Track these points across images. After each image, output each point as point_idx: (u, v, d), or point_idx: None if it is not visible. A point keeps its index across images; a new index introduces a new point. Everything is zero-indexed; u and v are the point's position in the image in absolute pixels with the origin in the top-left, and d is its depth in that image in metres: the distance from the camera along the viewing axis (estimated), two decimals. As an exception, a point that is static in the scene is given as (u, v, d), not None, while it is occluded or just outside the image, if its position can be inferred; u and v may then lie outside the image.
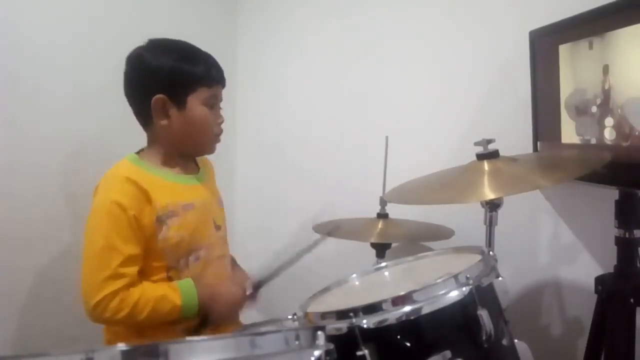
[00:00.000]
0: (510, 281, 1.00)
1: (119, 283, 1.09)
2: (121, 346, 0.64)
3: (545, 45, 1.43)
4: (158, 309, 1.11)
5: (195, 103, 1.19)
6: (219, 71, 1.24)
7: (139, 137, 1.71)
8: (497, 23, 1.64)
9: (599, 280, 1.34)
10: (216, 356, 0.66)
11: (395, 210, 1.56)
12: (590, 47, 1.26)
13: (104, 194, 1.14)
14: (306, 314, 0.97)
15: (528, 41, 1.49)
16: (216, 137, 1.26)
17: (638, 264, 1.29)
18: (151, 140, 1.25)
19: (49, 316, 1.46)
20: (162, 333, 1.15)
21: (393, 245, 1.57)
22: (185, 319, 1.15)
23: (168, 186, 1.18)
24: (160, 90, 1.17)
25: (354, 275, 1.18)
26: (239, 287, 1.23)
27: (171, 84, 1.17)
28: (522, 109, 1.54)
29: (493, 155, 1.24)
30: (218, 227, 1.26)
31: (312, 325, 0.89)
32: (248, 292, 1.22)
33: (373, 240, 1.49)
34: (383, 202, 1.56)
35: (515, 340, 1.02)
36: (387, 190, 1.52)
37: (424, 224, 1.58)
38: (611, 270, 1.32)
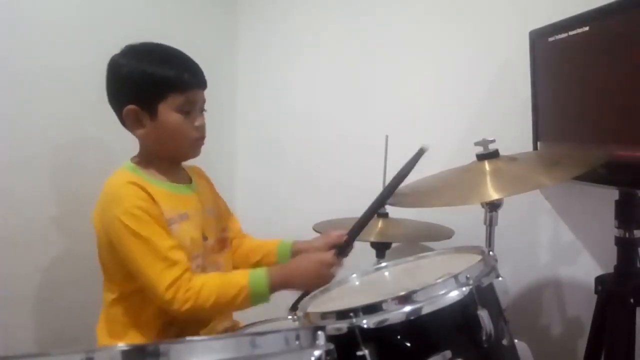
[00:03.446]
0: (510, 281, 1.00)
1: (177, 270, 1.08)
2: (121, 346, 0.64)
3: (545, 45, 1.44)
4: (224, 293, 1.09)
5: (166, 111, 1.15)
6: (195, 74, 1.19)
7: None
8: (497, 23, 1.64)
9: (599, 280, 1.34)
10: (216, 356, 0.66)
11: (395, 210, 1.56)
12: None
13: (119, 205, 1.11)
14: (306, 314, 0.97)
15: (528, 41, 1.49)
16: (195, 142, 1.21)
17: (638, 264, 1.29)
18: (139, 146, 1.24)
19: (49, 316, 1.46)
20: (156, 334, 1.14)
21: (393, 245, 1.57)
22: (258, 301, 1.13)
23: (166, 195, 1.17)
24: (131, 99, 1.14)
25: (354, 275, 1.18)
26: (316, 256, 1.20)
27: (141, 92, 1.14)
28: (522, 109, 1.54)
29: (493, 155, 1.24)
30: (205, 238, 1.24)
31: (312, 325, 0.89)
32: (332, 257, 1.18)
33: (373, 239, 1.50)
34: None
35: (515, 340, 1.02)
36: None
37: (424, 224, 1.58)
38: (611, 270, 1.32)
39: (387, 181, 1.55)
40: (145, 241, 1.08)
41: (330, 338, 0.74)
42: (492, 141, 1.25)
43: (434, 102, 1.76)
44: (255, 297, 1.12)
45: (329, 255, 1.18)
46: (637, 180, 1.19)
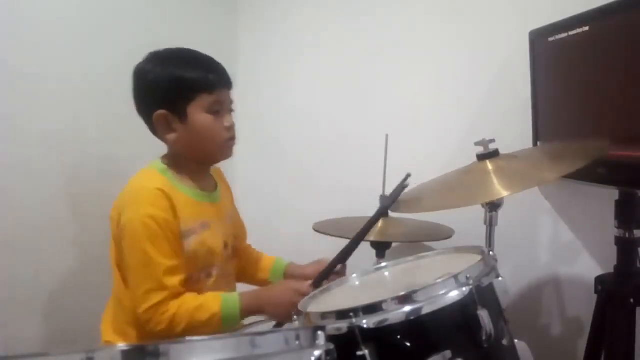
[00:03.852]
0: (510, 281, 1.00)
1: (162, 295, 1.09)
2: (121, 346, 0.64)
3: (545, 45, 1.44)
4: (196, 318, 1.10)
5: (196, 112, 1.16)
6: (220, 75, 1.20)
7: (139, 137, 1.72)
8: (497, 23, 1.64)
9: (599, 280, 1.34)
10: (216, 356, 0.66)
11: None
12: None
13: (137, 209, 1.11)
14: (306, 314, 0.97)
15: (528, 41, 1.49)
16: (226, 142, 1.22)
17: (638, 264, 1.29)
18: (169, 151, 1.23)
19: (49, 316, 1.46)
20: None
21: (393, 245, 1.57)
22: (230, 326, 1.14)
23: (190, 203, 1.17)
24: (160, 105, 1.15)
25: (354, 275, 1.18)
26: (291, 284, 1.21)
27: (169, 96, 1.15)
28: (522, 109, 1.54)
29: (493, 154, 1.24)
30: (226, 246, 1.26)
31: (312, 325, 0.89)
32: (307, 288, 1.18)
33: (373, 239, 1.49)
34: (383, 202, 1.56)
35: (515, 340, 1.02)
36: (387, 191, 1.52)
37: (424, 223, 1.58)
38: (611, 270, 1.32)
39: (384, 180, 1.57)
40: (146, 254, 1.09)
41: (330, 338, 0.74)
42: (492, 141, 1.25)
43: (434, 102, 1.76)
44: (227, 322, 1.14)
45: (304, 286, 1.18)
46: (637, 180, 1.19)
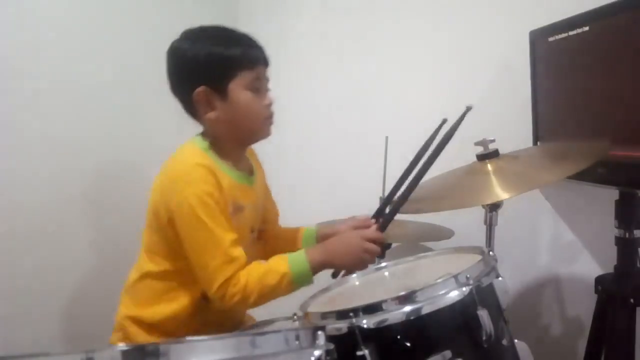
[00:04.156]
0: (510, 281, 1.00)
1: (232, 268, 1.07)
2: (121, 346, 0.64)
3: (545, 45, 1.44)
4: (266, 283, 1.09)
5: (237, 89, 1.14)
6: (259, 50, 1.19)
7: (140, 138, 1.72)
8: (497, 23, 1.64)
9: (599, 280, 1.34)
10: (216, 356, 0.66)
11: (395, 210, 1.56)
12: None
13: (191, 188, 1.08)
14: (306, 314, 0.97)
15: (528, 41, 1.49)
16: (266, 120, 1.20)
17: (638, 264, 1.29)
18: (208, 131, 1.20)
19: (50, 316, 1.47)
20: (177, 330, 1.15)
21: (393, 245, 1.57)
22: (302, 284, 1.12)
23: (229, 185, 1.15)
24: (201, 81, 1.12)
25: (354, 275, 1.18)
26: (357, 234, 1.17)
27: (210, 73, 1.13)
28: (522, 109, 1.54)
29: (493, 154, 1.24)
30: (252, 231, 1.25)
31: (312, 325, 0.89)
32: (373, 233, 1.16)
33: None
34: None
35: (515, 340, 1.02)
36: (387, 191, 1.52)
37: (424, 224, 1.58)
38: (611, 270, 1.32)
39: (384, 180, 1.57)
40: (210, 231, 1.07)
41: (330, 338, 0.74)
42: (492, 141, 1.25)
43: (433, 102, 1.76)
44: (299, 281, 1.11)
45: (370, 230, 1.16)
46: (637, 180, 1.19)
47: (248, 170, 1.26)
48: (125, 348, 0.64)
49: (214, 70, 1.13)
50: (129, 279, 1.22)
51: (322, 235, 1.32)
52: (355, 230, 1.19)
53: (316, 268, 1.12)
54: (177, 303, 1.16)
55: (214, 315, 1.17)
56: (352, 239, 1.15)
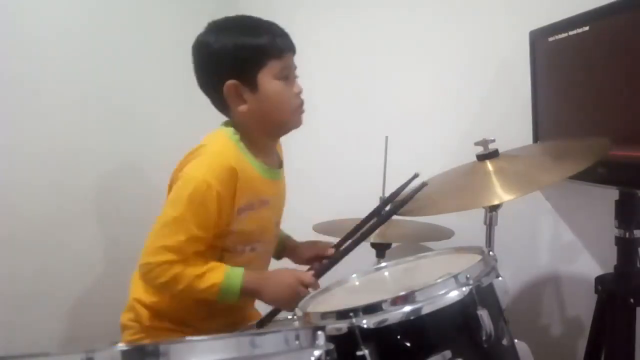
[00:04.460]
0: (510, 281, 1.00)
1: (172, 256, 1.07)
2: (121, 346, 0.64)
3: (545, 45, 1.44)
4: (196, 284, 1.09)
5: (266, 79, 1.13)
6: (286, 38, 1.17)
7: (140, 139, 1.72)
8: (497, 23, 1.64)
9: (599, 280, 1.34)
10: (216, 356, 0.66)
11: (395, 210, 1.56)
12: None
13: (200, 171, 1.08)
14: (306, 314, 0.97)
15: (528, 41, 1.49)
16: (297, 109, 1.19)
17: (638, 264, 1.29)
18: (238, 125, 1.18)
19: (50, 316, 1.46)
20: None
21: (393, 245, 1.57)
22: (226, 300, 1.12)
23: (255, 178, 1.15)
24: (229, 74, 1.11)
25: (354, 275, 1.18)
26: (295, 272, 1.18)
27: (238, 64, 1.12)
28: (522, 109, 1.54)
29: (493, 155, 1.24)
30: (277, 224, 1.26)
31: (312, 325, 0.89)
32: (310, 279, 1.15)
33: (373, 240, 1.49)
34: (383, 202, 1.56)
35: (515, 340, 1.02)
36: (386, 192, 1.52)
37: (424, 224, 1.58)
38: (611, 270, 1.32)
39: (384, 180, 1.57)
40: (181, 215, 1.07)
41: (330, 338, 0.74)
42: (492, 141, 1.25)
43: (433, 102, 1.76)
44: (224, 296, 1.11)
45: (307, 276, 1.14)
46: (637, 180, 1.19)
47: (277, 163, 1.26)
48: (125, 348, 0.64)
49: (242, 62, 1.12)
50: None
51: (285, 247, 1.35)
52: (292, 271, 1.18)
53: (246, 293, 1.12)
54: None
55: (221, 306, 1.17)
56: (288, 279, 1.14)
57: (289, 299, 1.11)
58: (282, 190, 1.28)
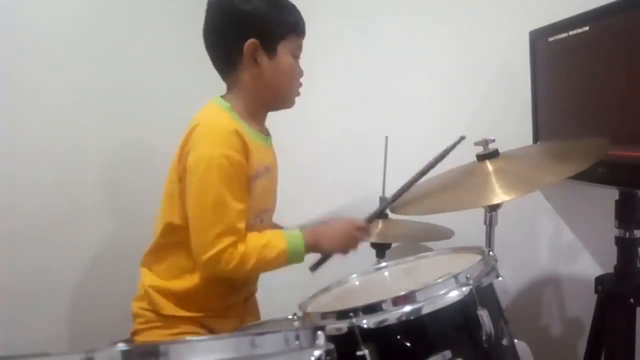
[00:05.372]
0: (510, 281, 1.00)
1: (231, 238, 1.07)
2: (121, 346, 0.64)
3: (545, 45, 1.44)
4: (264, 255, 1.10)
5: (284, 52, 1.17)
6: (304, 22, 1.22)
7: (141, 139, 1.72)
8: (497, 23, 1.64)
9: (599, 280, 1.34)
10: (216, 356, 0.66)
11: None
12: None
13: (214, 147, 1.08)
14: (306, 314, 0.97)
15: (528, 41, 1.49)
16: (297, 90, 1.25)
17: (638, 264, 1.29)
18: (235, 91, 1.20)
19: (50, 316, 1.46)
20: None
21: (393, 245, 1.57)
22: (294, 262, 1.14)
23: (257, 146, 1.16)
24: (254, 34, 1.13)
25: (354, 275, 1.18)
26: (347, 218, 1.22)
27: (264, 29, 1.14)
28: (522, 109, 1.54)
29: (493, 154, 1.24)
30: (276, 193, 1.29)
31: (312, 325, 0.89)
32: (362, 222, 1.21)
33: (373, 240, 1.49)
34: (383, 202, 1.56)
35: (515, 340, 1.02)
36: (386, 192, 1.52)
37: (424, 224, 1.58)
38: (611, 270, 1.32)
39: (384, 180, 1.57)
40: (220, 196, 1.07)
41: (330, 338, 0.74)
42: (492, 141, 1.25)
43: (433, 102, 1.76)
44: (292, 259, 1.14)
45: (360, 220, 1.21)
46: (637, 180, 1.19)
47: (266, 132, 1.28)
48: (125, 348, 0.64)
49: (269, 27, 1.15)
50: (149, 248, 1.22)
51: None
52: (345, 218, 1.23)
53: (308, 249, 1.15)
54: (197, 276, 1.16)
55: (238, 281, 1.20)
56: (342, 225, 1.20)
57: (346, 244, 1.18)
58: (276, 158, 1.30)
